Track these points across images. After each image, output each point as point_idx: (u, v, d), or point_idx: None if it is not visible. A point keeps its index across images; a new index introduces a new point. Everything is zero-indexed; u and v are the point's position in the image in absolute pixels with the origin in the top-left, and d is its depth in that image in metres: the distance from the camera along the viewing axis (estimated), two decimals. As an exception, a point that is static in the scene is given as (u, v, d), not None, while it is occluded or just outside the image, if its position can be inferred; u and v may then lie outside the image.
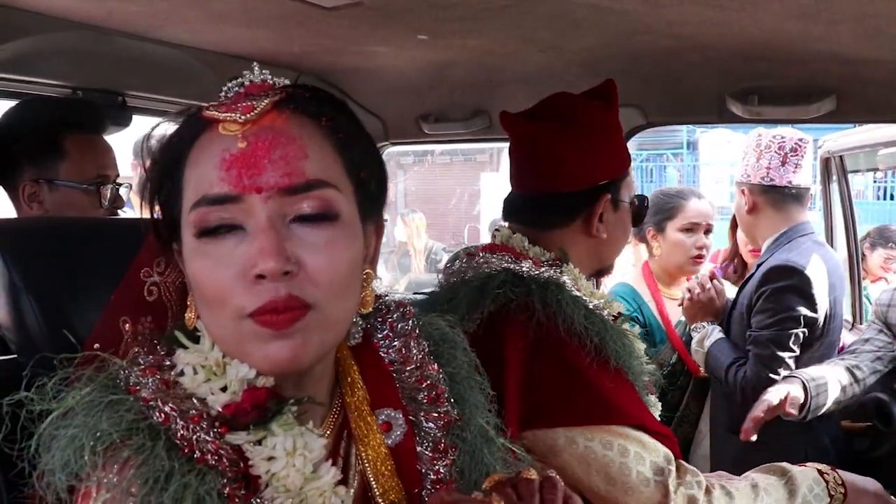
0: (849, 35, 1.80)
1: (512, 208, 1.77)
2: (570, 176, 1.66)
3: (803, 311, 2.61)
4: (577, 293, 1.56)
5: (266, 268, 0.84)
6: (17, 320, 1.17)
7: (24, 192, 1.99)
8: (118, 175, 2.13)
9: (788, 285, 2.62)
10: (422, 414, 1.05)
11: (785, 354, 2.59)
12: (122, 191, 2.12)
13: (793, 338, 2.61)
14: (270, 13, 1.78)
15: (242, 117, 0.88)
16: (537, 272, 1.55)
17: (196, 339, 0.94)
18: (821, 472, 1.59)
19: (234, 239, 0.87)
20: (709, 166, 18.41)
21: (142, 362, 0.92)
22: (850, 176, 3.97)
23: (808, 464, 1.63)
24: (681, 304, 2.94)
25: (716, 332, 2.75)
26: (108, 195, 2.06)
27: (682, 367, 3.02)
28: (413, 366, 1.07)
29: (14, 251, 1.18)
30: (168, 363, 0.93)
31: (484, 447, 1.07)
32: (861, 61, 2.02)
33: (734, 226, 3.46)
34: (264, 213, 0.86)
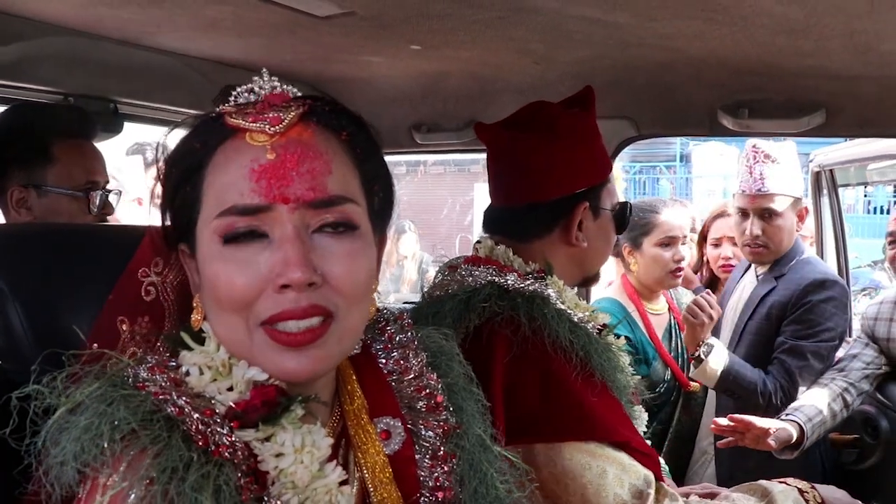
0: (838, 51, 1.81)
1: (492, 220, 1.75)
2: (546, 185, 1.64)
3: (842, 323, 2.70)
4: (562, 306, 1.55)
5: (293, 278, 0.86)
6: (2, 327, 1.15)
7: (12, 198, 1.98)
8: (108, 181, 2.12)
9: (830, 297, 2.70)
10: (420, 422, 1.06)
11: (822, 366, 2.67)
12: (112, 197, 2.12)
13: (832, 349, 2.70)
14: (262, 21, 1.78)
15: (272, 129, 0.90)
16: (522, 285, 1.54)
17: (201, 341, 0.95)
18: (801, 492, 1.59)
19: (258, 246, 0.89)
20: (701, 179, 18.47)
21: (149, 360, 0.92)
22: (841, 190, 4.00)
23: (790, 480, 1.63)
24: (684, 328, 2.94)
25: (723, 347, 2.74)
26: (98, 202, 2.06)
27: (675, 382, 3.02)
28: (412, 375, 1.09)
29: (1, 258, 1.17)
30: (173, 363, 0.94)
31: (482, 455, 1.08)
32: (850, 77, 2.04)
33: (702, 238, 3.52)
34: (290, 223, 0.88)
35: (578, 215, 1.65)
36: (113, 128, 2.21)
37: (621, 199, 1.79)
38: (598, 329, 1.61)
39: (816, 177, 3.85)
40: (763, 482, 1.62)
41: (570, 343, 1.47)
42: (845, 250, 3.91)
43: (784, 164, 2.81)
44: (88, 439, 0.82)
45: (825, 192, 3.90)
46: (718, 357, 2.66)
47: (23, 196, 1.98)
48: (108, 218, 2.13)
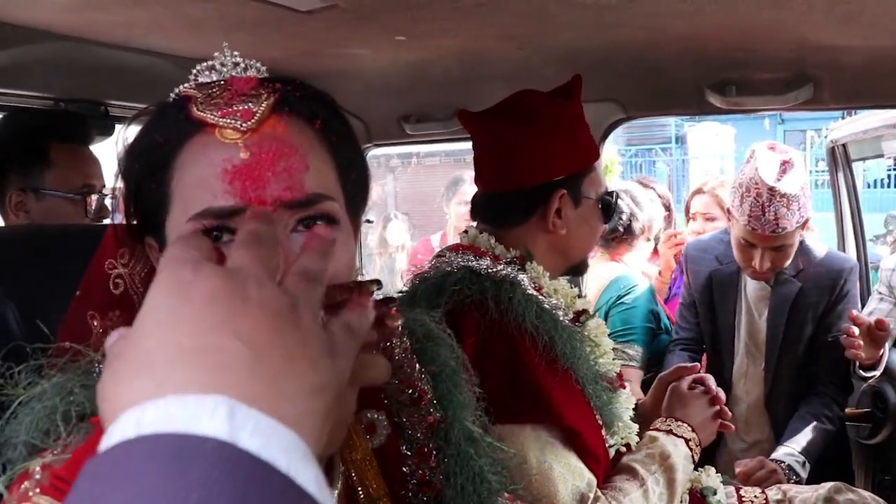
0: (822, 22, 1.82)
1: (477, 206, 1.79)
2: (523, 173, 1.67)
3: None
4: (534, 292, 1.57)
5: None
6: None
7: (10, 202, 2.01)
8: (104, 185, 2.14)
9: (856, 279, 2.77)
10: (405, 416, 1.04)
11: None
12: (108, 201, 2.14)
13: None
14: (246, 19, 1.79)
15: (244, 125, 0.84)
16: (494, 270, 1.56)
17: None
18: (687, 441, 1.70)
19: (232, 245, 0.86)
20: (698, 160, 18.45)
21: None
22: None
23: (678, 429, 1.71)
24: None
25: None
26: (94, 205, 2.08)
27: None
28: (395, 366, 1.05)
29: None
30: None
31: (470, 448, 1.05)
32: (836, 48, 2.04)
33: (687, 214, 3.67)
34: None
35: (555, 202, 1.67)
36: (104, 131, 2.21)
37: (609, 188, 1.80)
38: (575, 316, 1.63)
39: (832, 152, 3.71)
40: (661, 439, 1.69)
41: (535, 328, 1.49)
42: (861, 224, 3.72)
43: (798, 193, 2.49)
44: (44, 414, 0.81)
45: (840, 167, 3.71)
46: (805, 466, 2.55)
47: (21, 200, 2.01)
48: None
